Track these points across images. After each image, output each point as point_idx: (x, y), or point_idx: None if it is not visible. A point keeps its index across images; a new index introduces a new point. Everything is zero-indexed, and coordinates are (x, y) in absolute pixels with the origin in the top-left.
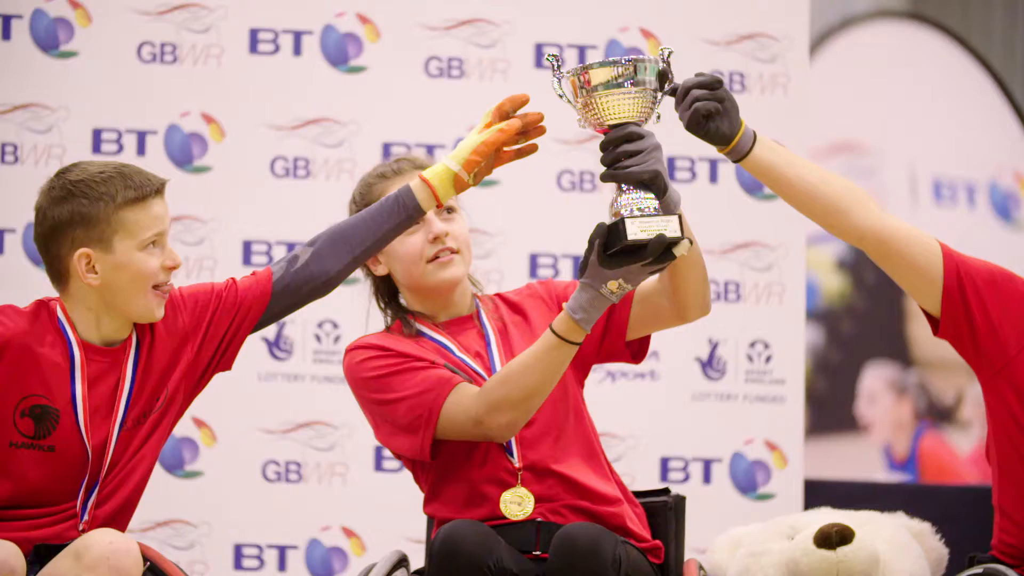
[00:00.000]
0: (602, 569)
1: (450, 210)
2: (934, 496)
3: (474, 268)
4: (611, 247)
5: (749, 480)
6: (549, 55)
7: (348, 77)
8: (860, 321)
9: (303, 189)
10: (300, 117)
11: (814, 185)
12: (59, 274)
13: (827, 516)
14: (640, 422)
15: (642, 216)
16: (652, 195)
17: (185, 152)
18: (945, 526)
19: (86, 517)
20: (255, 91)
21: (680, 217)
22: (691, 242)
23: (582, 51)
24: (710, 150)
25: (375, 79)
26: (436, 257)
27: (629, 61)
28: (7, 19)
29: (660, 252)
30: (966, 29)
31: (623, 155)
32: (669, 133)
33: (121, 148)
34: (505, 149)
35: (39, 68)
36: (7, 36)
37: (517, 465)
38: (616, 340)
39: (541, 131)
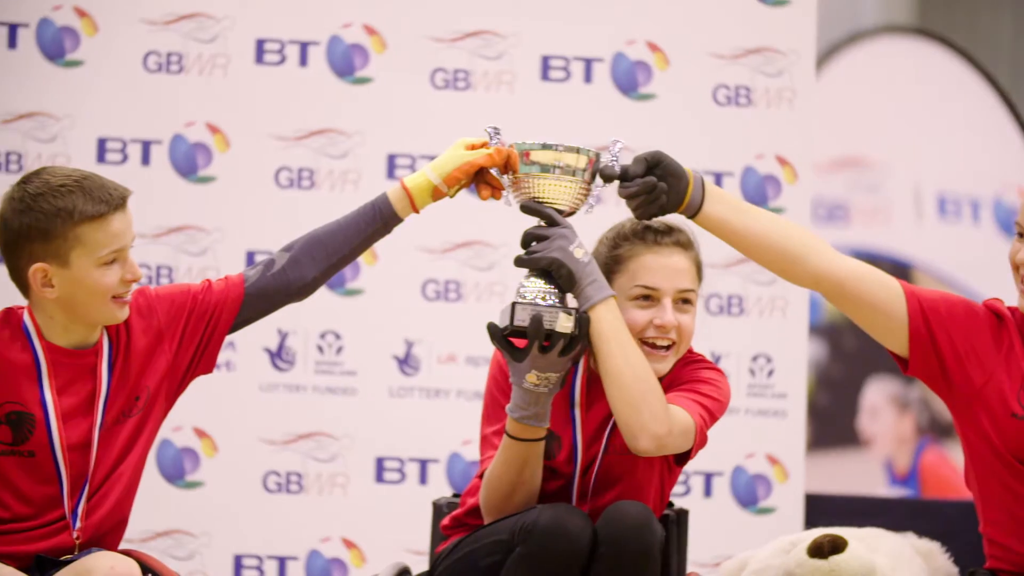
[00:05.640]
0: (651, 544)
1: (687, 301)
2: (935, 511)
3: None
4: (506, 331)
5: (750, 494)
6: (487, 128)
7: (354, 88)
8: (862, 336)
9: (307, 200)
10: (305, 128)
11: (766, 233)
12: (20, 284)
13: (830, 531)
14: None
15: (532, 304)
16: (553, 287)
17: (190, 162)
18: (946, 541)
19: (78, 524)
20: (261, 101)
21: (580, 316)
22: (577, 336)
23: (588, 64)
24: (715, 164)
25: (381, 90)
26: (652, 344)
27: (570, 150)
28: (13, 28)
29: (542, 338)
30: (973, 45)
31: (532, 238)
32: (673, 144)
33: (126, 158)
34: (491, 173)
35: (45, 77)
36: (13, 45)
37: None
38: None
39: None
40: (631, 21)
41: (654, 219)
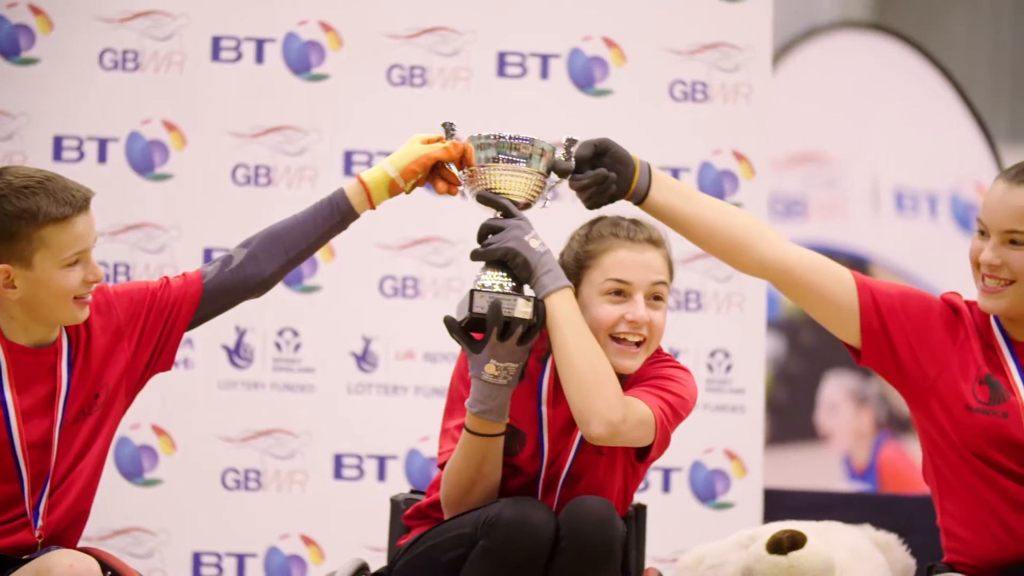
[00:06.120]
0: (612, 539)
1: (658, 297)
2: (893, 506)
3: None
4: (464, 322)
5: (708, 489)
6: (443, 123)
7: (310, 85)
8: (820, 331)
9: (264, 197)
10: (262, 125)
11: (714, 220)
12: None
13: (788, 526)
14: None
15: (490, 292)
16: (506, 274)
17: (146, 160)
18: (905, 535)
19: (40, 523)
20: (217, 99)
21: (538, 303)
22: (535, 323)
23: (545, 59)
24: (672, 160)
25: (337, 87)
26: (623, 340)
27: (524, 142)
28: None
29: (501, 325)
30: (929, 40)
31: (488, 230)
32: (629, 140)
33: (82, 155)
34: (447, 168)
35: (0, 75)
36: None
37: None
38: None
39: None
40: (587, 17)
41: (625, 215)
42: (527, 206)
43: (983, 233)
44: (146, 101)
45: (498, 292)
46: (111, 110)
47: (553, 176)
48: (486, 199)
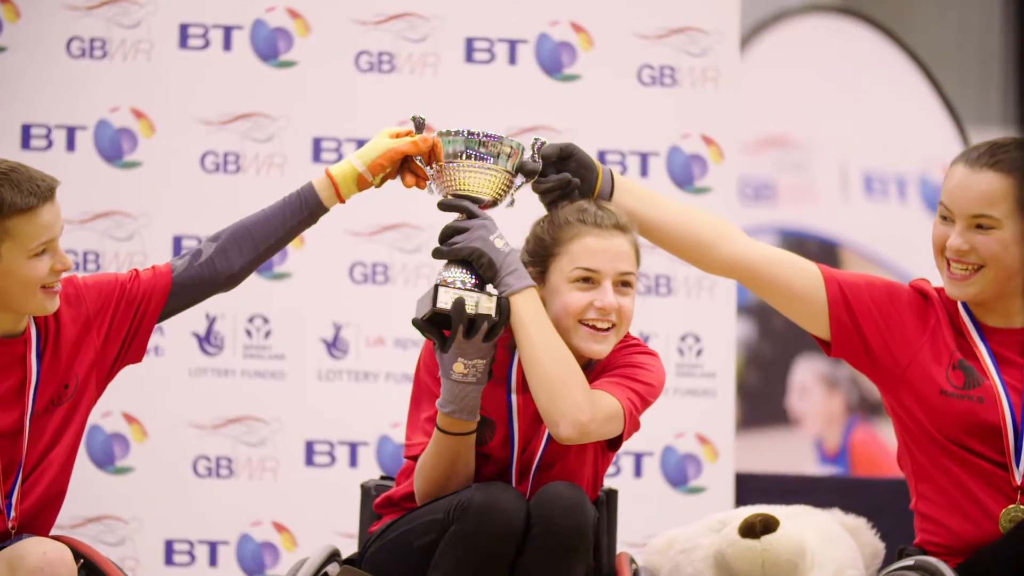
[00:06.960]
0: (583, 524)
1: (626, 283)
2: (865, 489)
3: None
4: (426, 316)
5: (680, 474)
6: (413, 117)
7: (278, 72)
8: None
9: (233, 184)
10: (230, 112)
11: (676, 223)
12: None
13: (760, 510)
14: None
15: (453, 288)
16: (468, 272)
17: (115, 147)
18: (875, 519)
19: (12, 512)
20: (185, 86)
21: (501, 300)
22: (499, 321)
23: (512, 45)
24: (640, 144)
25: (305, 74)
26: (592, 326)
27: (493, 139)
28: None
29: (466, 322)
30: (897, 23)
31: (452, 231)
32: (598, 125)
33: (51, 144)
34: (416, 162)
35: None
36: None
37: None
38: None
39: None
40: (555, 2)
41: (592, 203)
42: (493, 204)
43: (946, 219)
44: (114, 89)
45: (460, 288)
46: (79, 98)
47: (520, 176)
48: (447, 206)
